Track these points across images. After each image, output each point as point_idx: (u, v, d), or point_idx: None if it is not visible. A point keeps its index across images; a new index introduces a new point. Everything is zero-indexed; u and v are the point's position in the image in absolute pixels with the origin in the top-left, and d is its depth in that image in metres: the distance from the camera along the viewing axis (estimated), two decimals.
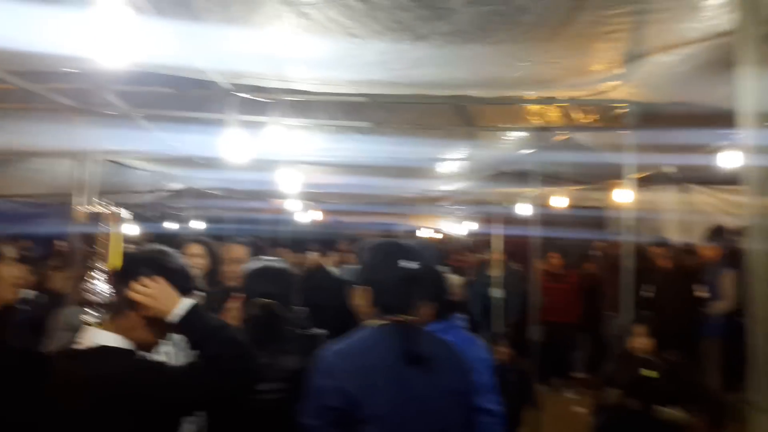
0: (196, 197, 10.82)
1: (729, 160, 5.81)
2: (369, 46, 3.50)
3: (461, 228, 14.13)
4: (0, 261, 2.98)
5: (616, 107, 5.22)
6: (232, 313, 2.80)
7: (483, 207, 11.37)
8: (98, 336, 1.98)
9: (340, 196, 11.78)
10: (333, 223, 15.43)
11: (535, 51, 3.67)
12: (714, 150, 5.80)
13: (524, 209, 8.53)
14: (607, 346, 7.79)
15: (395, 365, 2.05)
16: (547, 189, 8.89)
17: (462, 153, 7.42)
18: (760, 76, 1.87)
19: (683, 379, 3.29)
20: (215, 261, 4.23)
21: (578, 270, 8.96)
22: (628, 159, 5.41)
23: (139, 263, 2.07)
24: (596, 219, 10.10)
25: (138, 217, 8.24)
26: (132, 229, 7.04)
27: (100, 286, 3.65)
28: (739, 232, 6.18)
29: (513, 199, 9.44)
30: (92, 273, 3.69)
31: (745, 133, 1.91)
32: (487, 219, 10.78)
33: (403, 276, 2.15)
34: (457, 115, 6.03)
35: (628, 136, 5.18)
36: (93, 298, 3.60)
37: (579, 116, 5.76)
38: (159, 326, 2.01)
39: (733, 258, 6.01)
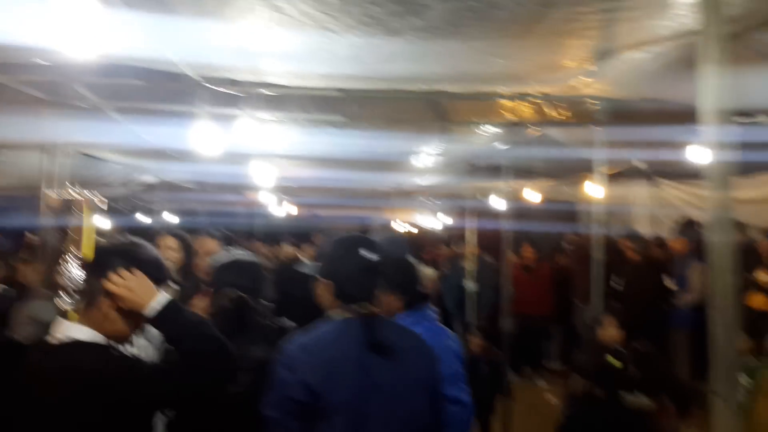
0: (168, 190, 10.72)
1: (697, 155, 5.91)
2: (342, 40, 3.51)
3: (436, 221, 14.20)
4: None
5: (588, 103, 5.29)
6: (201, 306, 2.80)
7: (457, 201, 11.43)
8: (71, 329, 1.96)
9: (314, 189, 11.76)
10: (309, 217, 15.41)
11: (508, 47, 3.70)
12: (683, 145, 5.90)
13: (498, 203, 8.59)
14: (579, 337, 7.92)
15: (358, 356, 2.07)
16: (520, 183, 8.98)
17: (436, 147, 7.45)
18: (722, 74, 1.92)
19: (649, 368, 3.36)
20: (189, 254, 4.22)
21: (550, 262, 9.06)
22: (599, 154, 5.49)
23: (112, 255, 2.03)
24: (568, 212, 10.22)
25: (110, 210, 8.15)
26: (104, 222, 6.97)
27: (74, 272, 3.61)
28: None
29: (487, 193, 9.51)
30: (66, 260, 3.65)
31: (707, 130, 1.95)
32: (461, 212, 10.84)
33: (364, 267, 2.18)
34: (431, 109, 6.06)
35: (599, 132, 5.26)
36: (66, 284, 3.57)
37: (551, 112, 5.81)
38: (134, 319, 1.98)
39: (702, 251, 6.13)
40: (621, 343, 4.02)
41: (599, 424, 3.12)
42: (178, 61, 4.28)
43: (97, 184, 8.71)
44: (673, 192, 8.47)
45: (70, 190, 3.85)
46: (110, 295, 1.95)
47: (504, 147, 6.78)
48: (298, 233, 7.49)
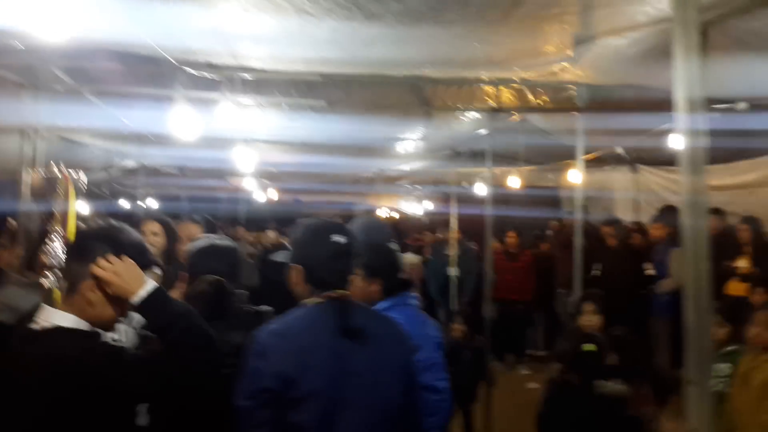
0: (150, 175, 10.64)
1: (677, 141, 5.93)
2: (322, 23, 3.48)
3: (419, 207, 14.21)
4: None
5: (569, 90, 5.30)
6: (178, 291, 2.78)
7: (440, 187, 11.44)
8: (54, 315, 1.91)
9: (297, 175, 11.73)
10: (292, 202, 15.37)
11: (487, 31, 3.70)
12: (663, 132, 5.93)
13: (480, 189, 8.60)
14: (561, 323, 7.97)
15: (331, 341, 2.05)
16: (502, 169, 9.00)
17: (419, 133, 7.44)
18: (696, 61, 1.92)
19: (627, 355, 3.38)
20: (172, 239, 4.19)
21: (532, 249, 9.08)
22: (580, 140, 5.50)
23: (95, 239, 1.98)
24: (550, 198, 10.26)
25: (91, 195, 8.06)
26: (85, 206, 6.91)
27: (58, 254, 3.55)
28: None
29: (469, 179, 9.52)
30: (50, 240, 3.59)
31: (681, 117, 1.96)
32: (444, 198, 10.85)
33: (334, 252, 2.16)
34: (414, 95, 6.04)
35: (580, 118, 5.27)
36: (51, 266, 3.51)
37: (532, 98, 5.82)
38: (119, 306, 1.94)
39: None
40: (600, 329, 4.03)
41: (574, 411, 3.14)
42: (156, 44, 4.23)
43: (77, 169, 8.62)
44: (653, 178, 8.52)
45: (53, 168, 3.78)
46: (96, 281, 1.90)
47: (486, 132, 6.78)
48: (282, 219, 7.46)
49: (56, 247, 3.55)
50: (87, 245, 1.97)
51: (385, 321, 2.30)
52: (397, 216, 16.69)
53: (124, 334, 2.62)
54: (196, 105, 5.04)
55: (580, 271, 5.56)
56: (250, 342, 2.08)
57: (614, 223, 7.65)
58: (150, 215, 4.63)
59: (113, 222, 2.14)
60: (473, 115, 6.38)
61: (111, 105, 5.66)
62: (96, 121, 6.41)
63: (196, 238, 3.93)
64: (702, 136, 1.95)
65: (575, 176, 5.79)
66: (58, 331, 1.87)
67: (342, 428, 2.02)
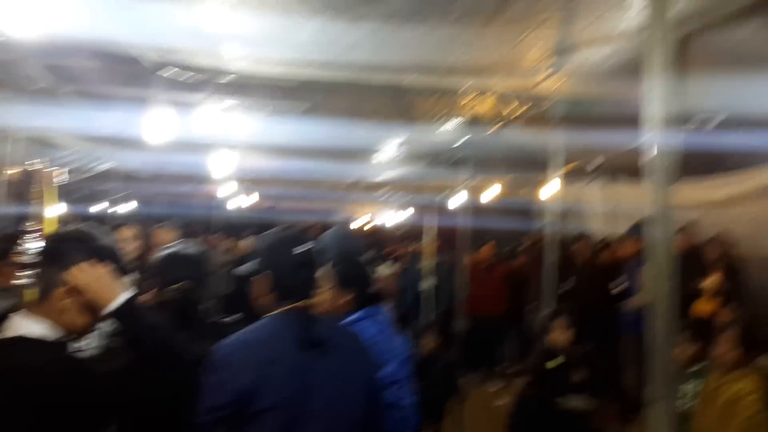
0: (124, 179, 10.52)
1: (646, 156, 5.95)
2: (304, 24, 3.46)
3: (396, 217, 14.19)
4: None
5: (547, 102, 5.32)
6: (146, 299, 2.73)
7: (418, 196, 11.43)
8: (23, 324, 1.84)
9: (275, 180, 11.66)
10: (270, 210, 15.26)
11: (470, 36, 3.71)
12: (639, 145, 5.95)
13: (457, 200, 8.61)
14: (531, 339, 7.94)
15: (292, 353, 2.02)
16: (479, 180, 9.00)
17: (399, 139, 7.43)
18: (668, 75, 1.92)
19: (591, 370, 3.38)
20: (146, 245, 4.16)
21: (506, 262, 9.05)
22: (557, 152, 5.52)
23: (69, 244, 1.94)
24: (527, 211, 10.27)
25: (66, 198, 7.95)
26: (58, 209, 6.81)
27: (32, 251, 3.48)
28: None
29: (447, 190, 9.52)
30: (25, 234, 3.52)
31: (650, 133, 1.96)
32: (421, 209, 10.84)
33: (298, 261, 2.14)
34: (395, 102, 6.04)
35: (558, 130, 5.29)
36: (25, 260, 3.43)
37: (512, 109, 5.84)
38: (93, 314, 1.89)
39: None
40: (568, 345, 4.03)
41: (539, 426, 3.13)
42: (134, 43, 4.17)
43: (56, 169, 8.49)
44: (627, 192, 8.53)
45: (32, 161, 3.72)
46: (70, 288, 1.86)
47: (463, 141, 6.79)
48: (258, 227, 7.39)
49: (30, 248, 3.49)
50: (61, 251, 1.93)
51: (348, 334, 2.28)
52: (374, 225, 16.65)
53: (94, 340, 2.57)
54: (174, 107, 4.99)
55: (551, 286, 5.54)
56: (210, 355, 2.04)
57: (585, 238, 7.63)
58: (124, 220, 4.58)
59: (88, 227, 2.10)
60: (453, 123, 6.39)
61: (85, 106, 5.58)
62: (70, 123, 6.32)
63: (168, 244, 3.89)
64: (671, 152, 1.95)
65: (551, 189, 5.80)
66: (21, 341, 1.81)
67: None
